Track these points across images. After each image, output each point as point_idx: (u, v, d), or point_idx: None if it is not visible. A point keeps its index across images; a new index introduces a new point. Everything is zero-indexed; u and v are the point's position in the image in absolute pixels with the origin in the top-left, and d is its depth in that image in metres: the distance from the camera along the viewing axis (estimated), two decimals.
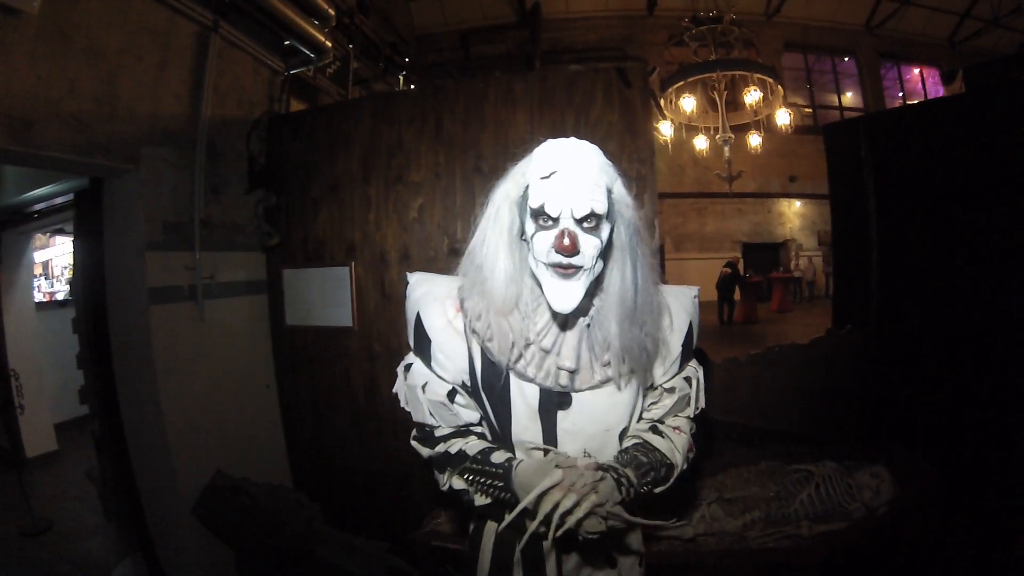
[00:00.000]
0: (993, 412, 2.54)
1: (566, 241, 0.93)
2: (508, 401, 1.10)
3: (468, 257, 1.11)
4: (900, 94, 13.85)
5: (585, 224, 0.96)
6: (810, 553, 2.00)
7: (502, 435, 1.13)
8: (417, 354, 1.18)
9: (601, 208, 0.95)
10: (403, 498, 2.75)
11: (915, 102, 11.02)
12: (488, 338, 1.07)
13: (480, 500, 1.11)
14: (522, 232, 1.04)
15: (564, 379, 1.08)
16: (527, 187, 1.01)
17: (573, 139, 1.02)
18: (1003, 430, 2.50)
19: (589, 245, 0.96)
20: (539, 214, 0.97)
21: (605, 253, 1.01)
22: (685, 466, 1.19)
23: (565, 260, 0.94)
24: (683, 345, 1.18)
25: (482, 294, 1.07)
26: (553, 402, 1.09)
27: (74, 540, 3.37)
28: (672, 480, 1.16)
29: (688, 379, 1.23)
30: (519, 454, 1.11)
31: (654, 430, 1.18)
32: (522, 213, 1.03)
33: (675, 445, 1.16)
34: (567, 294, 0.97)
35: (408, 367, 1.20)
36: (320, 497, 2.81)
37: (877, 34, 13.06)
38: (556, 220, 0.96)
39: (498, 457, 1.09)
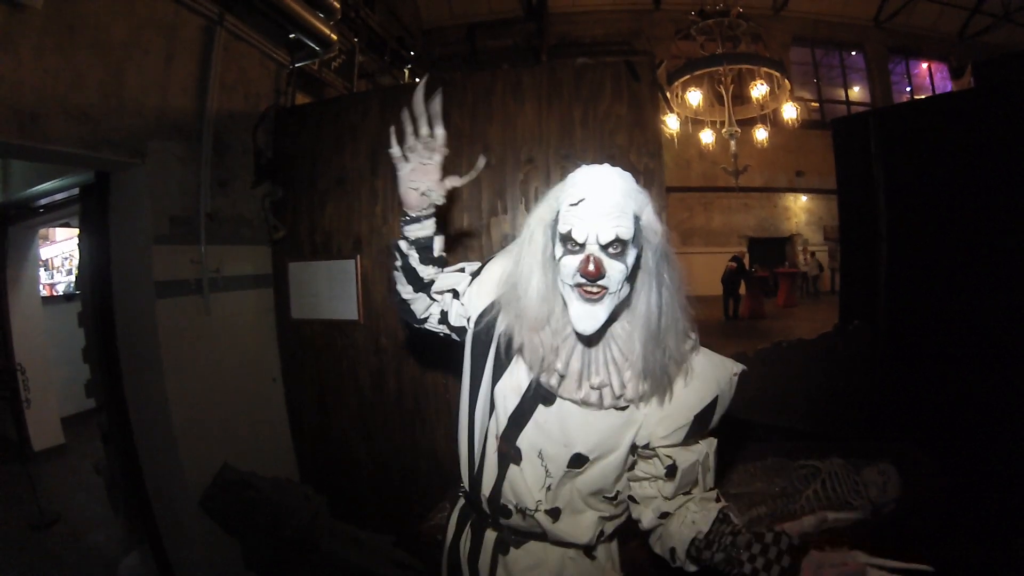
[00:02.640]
0: (1001, 409, 2.52)
1: (591, 267, 0.98)
2: (504, 371, 1.18)
3: (506, 275, 1.19)
4: (908, 89, 13.75)
5: (611, 250, 0.99)
6: (816, 549, 1.99)
7: (490, 389, 1.21)
8: (473, 276, 1.33)
9: (626, 234, 0.99)
10: (409, 491, 2.75)
11: (925, 96, 10.94)
12: (519, 350, 1.14)
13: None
14: (555, 254, 1.08)
15: (554, 380, 1.12)
16: (558, 212, 1.06)
17: (606, 166, 1.06)
18: (1011, 427, 2.48)
19: (614, 270, 0.99)
20: (567, 239, 1.02)
21: (632, 277, 1.05)
22: None
23: (591, 283, 0.99)
24: (697, 416, 1.12)
25: (517, 311, 1.12)
26: (540, 394, 1.14)
27: (82, 533, 3.40)
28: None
29: (694, 459, 1.14)
30: (494, 412, 1.20)
31: (724, 519, 1.13)
32: (554, 236, 1.07)
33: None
34: (591, 316, 1.01)
35: (477, 272, 1.35)
36: (326, 490, 2.81)
37: (886, 28, 12.96)
38: (582, 245, 1.00)
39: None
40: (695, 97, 8.06)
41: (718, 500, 1.18)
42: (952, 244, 2.73)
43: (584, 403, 1.10)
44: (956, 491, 2.19)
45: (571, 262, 1.01)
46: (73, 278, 6.08)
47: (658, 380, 1.08)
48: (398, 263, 1.41)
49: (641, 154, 2.41)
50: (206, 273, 2.61)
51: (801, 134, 10.82)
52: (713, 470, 1.19)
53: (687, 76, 7.90)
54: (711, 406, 1.13)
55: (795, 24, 12.70)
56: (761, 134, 8.62)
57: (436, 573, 1.47)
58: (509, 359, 1.17)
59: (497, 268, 1.26)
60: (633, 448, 1.14)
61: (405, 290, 1.41)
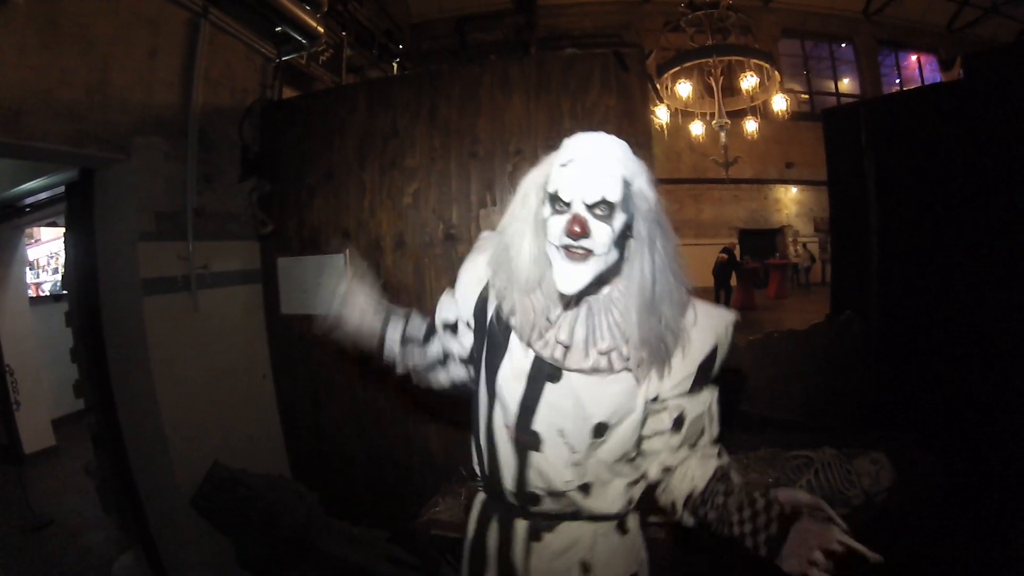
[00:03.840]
0: (992, 399, 2.53)
1: (576, 227, 0.98)
2: (502, 354, 1.17)
3: (498, 236, 1.18)
4: (897, 81, 13.81)
5: (597, 211, 1.00)
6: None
7: (488, 383, 1.21)
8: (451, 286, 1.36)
9: (613, 196, 1.00)
10: (403, 487, 2.75)
11: (915, 87, 10.98)
12: (511, 314, 1.14)
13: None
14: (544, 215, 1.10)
15: (559, 353, 1.11)
16: (549, 174, 1.07)
17: (601, 133, 1.08)
18: (1002, 417, 2.50)
19: (600, 231, 1.00)
20: (555, 199, 1.03)
21: (624, 245, 1.06)
22: None
23: (575, 243, 0.99)
24: (700, 365, 1.14)
25: (508, 272, 1.13)
26: (544, 372, 1.13)
27: (75, 535, 3.37)
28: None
29: (701, 409, 1.18)
30: (495, 408, 1.20)
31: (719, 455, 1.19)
32: (545, 198, 1.08)
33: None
34: (574, 275, 1.01)
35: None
36: (319, 487, 2.80)
37: (875, 21, 12.99)
38: (568, 205, 1.01)
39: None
40: (685, 89, 8.06)
41: (720, 456, 1.19)
42: (942, 235, 2.74)
43: (594, 370, 1.10)
44: (950, 482, 2.20)
45: (557, 222, 1.01)
46: (59, 277, 6.01)
47: (654, 349, 1.07)
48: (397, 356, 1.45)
49: (631, 145, 2.39)
50: (194, 269, 2.59)
51: (791, 126, 10.87)
52: (717, 419, 1.21)
53: (677, 68, 7.88)
54: (712, 354, 1.15)
55: (784, 16, 12.71)
56: (751, 126, 8.63)
57: (432, 569, 1.47)
58: (506, 341, 1.17)
59: (478, 260, 1.28)
60: (644, 404, 1.15)
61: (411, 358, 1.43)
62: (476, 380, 1.25)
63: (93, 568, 3.00)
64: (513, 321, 1.14)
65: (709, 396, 1.19)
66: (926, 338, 2.78)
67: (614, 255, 1.04)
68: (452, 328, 1.34)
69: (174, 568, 2.58)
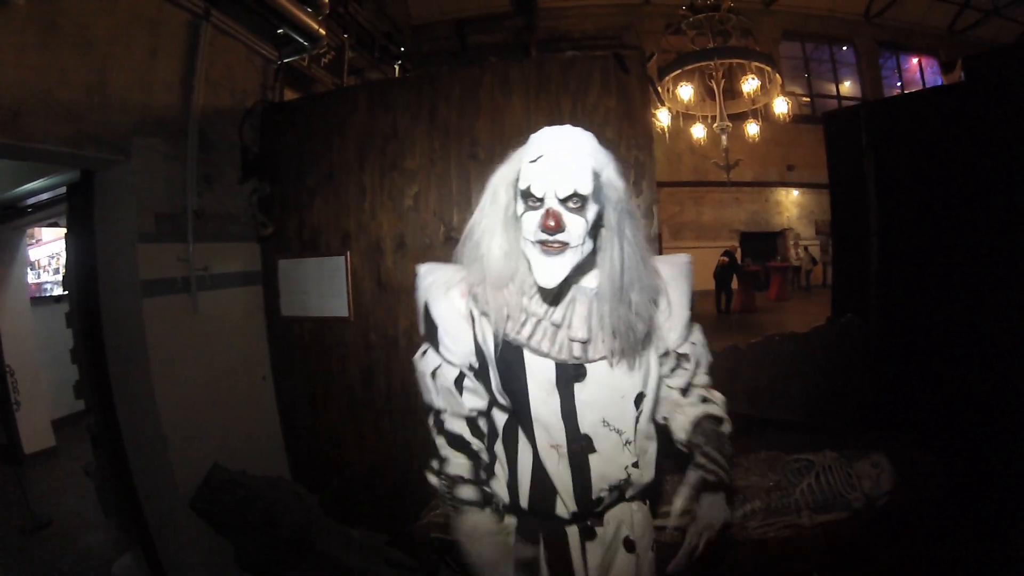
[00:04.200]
0: (993, 401, 2.53)
1: (550, 220, 1.00)
2: (524, 377, 1.14)
3: (467, 233, 1.18)
4: (898, 83, 13.81)
5: (570, 204, 1.02)
6: (811, 542, 1.99)
7: (519, 412, 1.17)
8: (426, 340, 1.27)
9: (585, 189, 1.02)
10: (402, 489, 2.74)
11: (916, 90, 10.98)
12: (484, 310, 1.14)
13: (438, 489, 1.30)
14: (516, 213, 1.10)
15: (577, 350, 1.12)
16: (520, 170, 1.08)
17: (567, 126, 1.10)
18: (1002, 418, 2.49)
19: (574, 224, 1.02)
20: (527, 195, 1.04)
21: (596, 234, 1.09)
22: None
23: (551, 237, 1.01)
24: (690, 307, 1.26)
25: (479, 269, 1.14)
26: (569, 375, 1.13)
27: (74, 536, 3.37)
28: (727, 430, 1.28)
29: (694, 342, 1.31)
30: (537, 432, 1.16)
31: (704, 400, 1.28)
32: (516, 194, 1.09)
33: (719, 404, 1.29)
34: (553, 269, 1.03)
35: (424, 354, 1.30)
36: (318, 489, 2.80)
37: (876, 23, 13.00)
38: (542, 200, 1.03)
39: (465, 493, 1.26)
40: (686, 91, 8.05)
41: (705, 401, 1.28)
42: (943, 237, 2.73)
43: (620, 354, 1.12)
44: (950, 483, 2.20)
45: (532, 218, 1.03)
46: (60, 278, 6.00)
47: (624, 336, 1.11)
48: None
49: (631, 147, 2.40)
50: (193, 271, 2.58)
51: (792, 128, 10.84)
52: (707, 349, 1.35)
53: (678, 71, 7.88)
54: (690, 295, 1.27)
55: (785, 19, 12.72)
56: (752, 128, 8.63)
57: (431, 572, 1.47)
58: (521, 360, 1.13)
59: (451, 297, 1.20)
60: (658, 361, 1.23)
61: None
62: (498, 421, 1.24)
63: (92, 569, 2.99)
64: (487, 317, 1.14)
65: (698, 331, 1.33)
66: (926, 340, 2.77)
67: (589, 245, 1.07)
68: (459, 386, 1.25)
69: (173, 569, 2.58)
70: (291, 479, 2.94)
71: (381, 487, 2.80)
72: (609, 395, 1.14)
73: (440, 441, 1.30)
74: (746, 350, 2.81)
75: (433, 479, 1.31)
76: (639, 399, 1.17)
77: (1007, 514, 2.30)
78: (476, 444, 1.29)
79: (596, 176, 1.05)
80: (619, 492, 1.20)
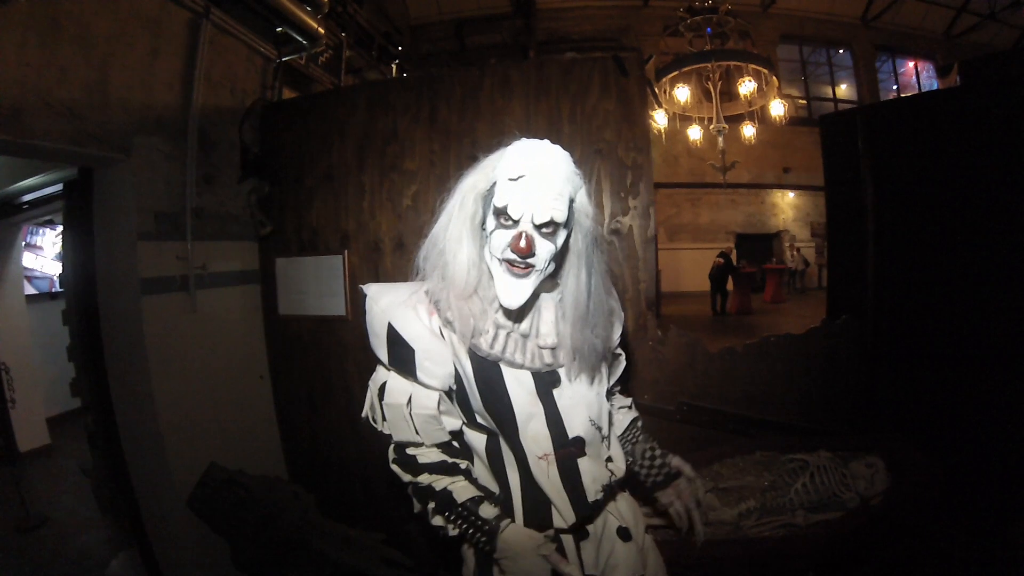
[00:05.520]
0: (989, 402, 2.55)
1: (523, 244, 0.99)
2: (505, 392, 1.11)
3: (431, 241, 1.15)
4: (895, 87, 13.86)
5: (544, 230, 1.02)
6: (805, 542, 2.01)
7: (504, 430, 1.13)
8: (395, 367, 1.15)
9: (561, 217, 1.02)
10: (398, 489, 2.74)
11: (913, 94, 11.03)
12: (449, 320, 1.10)
13: (453, 532, 1.16)
14: (484, 223, 1.09)
15: (548, 357, 1.12)
16: (495, 184, 1.06)
17: (546, 143, 1.06)
18: (998, 419, 2.51)
19: (544, 249, 1.02)
20: (501, 213, 1.02)
21: (561, 257, 1.10)
22: None
23: (520, 260, 1.01)
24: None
25: (443, 277, 1.11)
26: (547, 382, 1.12)
27: (69, 535, 3.36)
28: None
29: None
30: (526, 446, 1.12)
31: (631, 407, 1.43)
32: (486, 206, 1.08)
33: (631, 406, 1.43)
34: (517, 291, 1.03)
35: (383, 387, 1.19)
36: (315, 488, 2.79)
37: (873, 27, 13.05)
38: (516, 222, 1.02)
39: (486, 511, 1.13)
40: (683, 93, 8.09)
41: (627, 407, 1.42)
42: (938, 240, 2.75)
43: (586, 353, 1.13)
44: (945, 484, 2.21)
45: (503, 236, 1.02)
46: (55, 276, 5.97)
47: (585, 358, 1.12)
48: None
49: (629, 149, 2.41)
50: (192, 270, 2.59)
51: (788, 131, 10.88)
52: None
53: (675, 72, 7.92)
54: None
55: (783, 21, 12.76)
56: (749, 131, 8.68)
57: (428, 570, 1.47)
58: (500, 376, 1.10)
59: (419, 315, 1.13)
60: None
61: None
62: (474, 443, 1.20)
63: (88, 568, 2.98)
64: (454, 327, 1.10)
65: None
66: (922, 341, 2.79)
67: (552, 267, 1.07)
68: (439, 411, 1.16)
69: (170, 569, 2.58)
70: (288, 478, 2.94)
71: (378, 486, 2.81)
72: (586, 394, 1.15)
73: (426, 480, 1.19)
74: (742, 351, 2.82)
75: (449, 524, 1.16)
76: (610, 393, 1.24)
77: (1003, 515, 2.32)
78: (463, 464, 1.21)
79: (571, 202, 1.05)
80: (611, 489, 1.21)
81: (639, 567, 1.24)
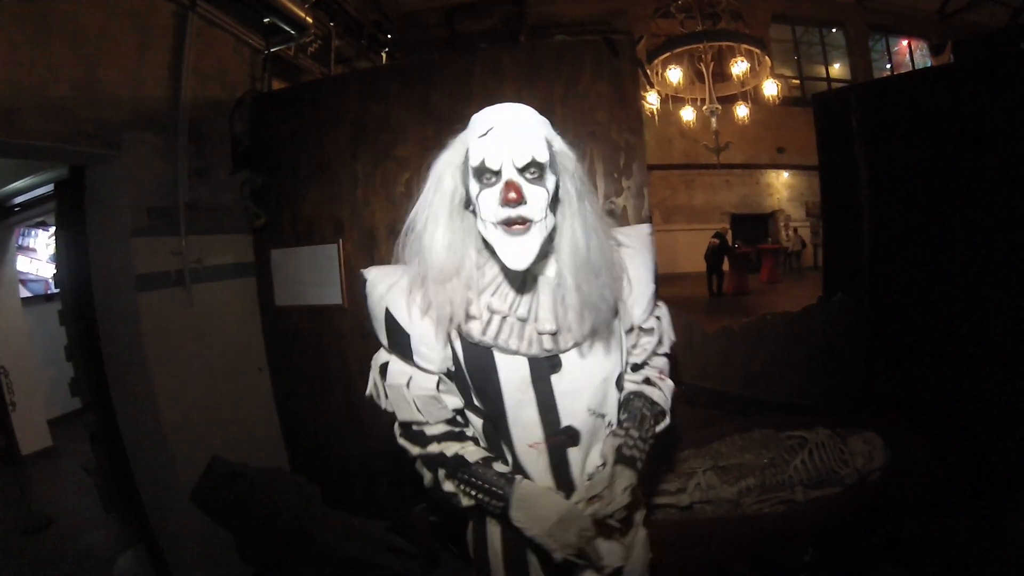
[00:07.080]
0: (983, 380, 2.57)
1: (511, 193, 0.94)
2: (496, 379, 1.09)
3: (408, 225, 1.10)
4: (888, 66, 13.80)
5: (528, 174, 0.97)
6: (804, 518, 2.03)
7: (492, 415, 1.12)
8: (394, 350, 1.18)
9: (542, 156, 0.97)
10: (400, 476, 2.75)
11: (906, 72, 10.99)
12: (426, 307, 1.08)
13: (466, 502, 1.15)
14: (467, 202, 1.04)
15: (548, 343, 1.07)
16: (467, 150, 1.03)
17: (508, 103, 1.05)
18: (993, 398, 2.53)
19: (535, 195, 0.97)
20: (481, 171, 0.98)
21: (554, 208, 1.03)
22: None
23: (514, 213, 0.95)
24: (654, 281, 1.20)
25: (420, 262, 1.07)
26: (544, 368, 1.08)
27: (75, 535, 3.36)
28: (662, 425, 1.23)
29: (658, 317, 1.26)
30: (515, 434, 1.11)
31: (648, 382, 1.23)
32: (465, 179, 1.04)
33: (666, 393, 1.24)
34: (520, 250, 0.97)
35: (384, 367, 1.21)
36: (318, 479, 2.81)
37: (867, 6, 12.97)
38: (498, 173, 0.97)
39: (499, 470, 1.12)
40: (675, 75, 8.04)
41: (647, 383, 1.24)
42: (932, 218, 2.76)
43: (593, 336, 1.08)
44: (941, 462, 2.23)
45: (490, 195, 0.97)
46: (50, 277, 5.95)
47: (595, 313, 1.05)
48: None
49: (622, 130, 2.40)
50: (187, 264, 2.58)
51: (782, 111, 10.82)
52: (670, 327, 1.30)
53: (667, 54, 7.86)
54: (654, 267, 1.21)
55: (775, 1, 12.66)
56: (742, 111, 8.63)
57: (432, 557, 1.44)
58: (492, 363, 1.08)
59: (412, 300, 1.11)
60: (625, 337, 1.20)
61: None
62: (474, 423, 1.18)
63: (94, 568, 2.99)
64: (431, 314, 1.07)
65: (664, 308, 1.28)
66: (917, 320, 2.80)
67: (551, 220, 1.01)
68: (439, 390, 1.16)
69: (176, 564, 2.59)
70: (291, 469, 2.96)
71: (380, 474, 2.82)
72: (590, 380, 1.11)
73: (435, 448, 1.17)
74: (739, 331, 2.83)
75: (460, 489, 1.16)
76: (620, 380, 1.16)
77: (998, 493, 2.34)
78: (470, 431, 1.21)
79: (549, 145, 1.01)
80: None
81: (618, 560, 1.20)
